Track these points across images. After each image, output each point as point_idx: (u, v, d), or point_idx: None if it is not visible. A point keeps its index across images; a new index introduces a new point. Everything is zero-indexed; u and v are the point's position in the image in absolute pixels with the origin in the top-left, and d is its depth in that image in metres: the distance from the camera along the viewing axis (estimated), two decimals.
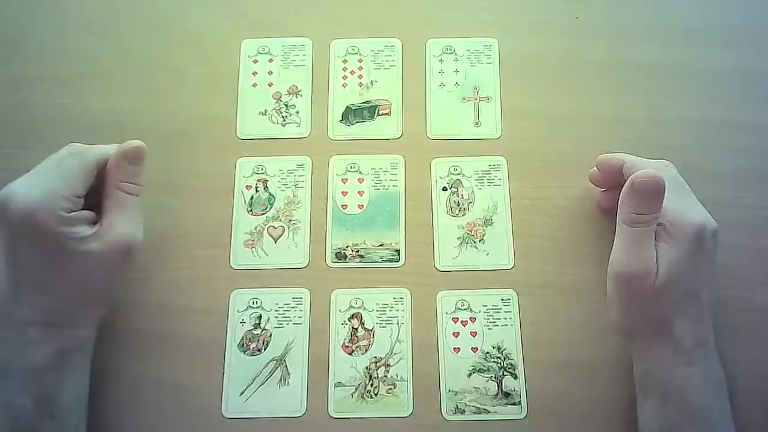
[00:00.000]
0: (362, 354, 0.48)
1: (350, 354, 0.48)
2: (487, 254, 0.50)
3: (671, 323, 0.41)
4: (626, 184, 0.42)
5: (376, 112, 0.54)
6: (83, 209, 0.42)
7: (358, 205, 0.52)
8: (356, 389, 0.47)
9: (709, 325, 0.43)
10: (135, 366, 0.46)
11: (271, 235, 0.51)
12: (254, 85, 0.55)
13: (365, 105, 0.55)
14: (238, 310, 0.49)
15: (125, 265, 0.43)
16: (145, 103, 0.54)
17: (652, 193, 0.41)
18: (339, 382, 0.47)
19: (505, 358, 0.47)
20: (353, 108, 0.54)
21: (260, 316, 0.49)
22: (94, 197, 0.44)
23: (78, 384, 0.43)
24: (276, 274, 0.50)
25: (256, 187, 0.52)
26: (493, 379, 0.47)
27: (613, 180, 0.48)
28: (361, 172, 0.52)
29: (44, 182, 0.41)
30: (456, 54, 0.56)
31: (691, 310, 0.42)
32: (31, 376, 0.41)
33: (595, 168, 0.49)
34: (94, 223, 0.42)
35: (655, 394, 0.42)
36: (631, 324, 0.43)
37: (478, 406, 0.46)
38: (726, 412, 0.42)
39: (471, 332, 0.48)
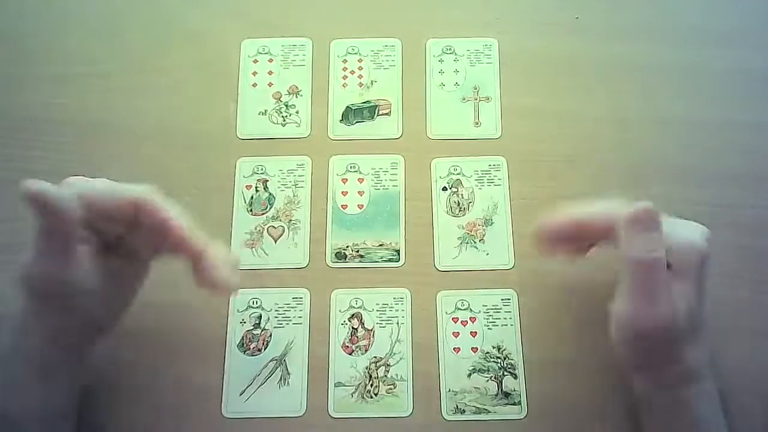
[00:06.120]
0: (362, 354, 0.47)
1: (350, 354, 0.48)
2: (487, 254, 0.50)
3: (684, 352, 0.40)
4: (625, 223, 0.39)
5: (376, 112, 0.54)
6: None
7: (358, 205, 0.52)
8: (356, 389, 0.47)
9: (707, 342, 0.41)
10: (135, 366, 0.46)
11: (271, 235, 0.51)
12: (254, 85, 0.55)
13: (365, 105, 0.55)
14: (238, 310, 0.49)
15: None
16: (144, 103, 0.54)
17: (654, 221, 0.39)
18: (339, 382, 0.47)
19: (505, 358, 0.47)
20: (353, 108, 0.54)
21: (260, 316, 0.48)
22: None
23: None
24: (276, 274, 0.50)
25: (256, 187, 0.52)
26: (493, 379, 0.47)
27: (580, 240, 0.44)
28: (361, 172, 0.52)
29: None
30: (456, 54, 0.56)
31: (701, 336, 0.40)
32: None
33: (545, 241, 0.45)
34: None
35: (659, 411, 0.41)
36: (643, 361, 0.41)
37: (478, 406, 0.46)
38: (724, 422, 0.41)
39: (471, 332, 0.48)
